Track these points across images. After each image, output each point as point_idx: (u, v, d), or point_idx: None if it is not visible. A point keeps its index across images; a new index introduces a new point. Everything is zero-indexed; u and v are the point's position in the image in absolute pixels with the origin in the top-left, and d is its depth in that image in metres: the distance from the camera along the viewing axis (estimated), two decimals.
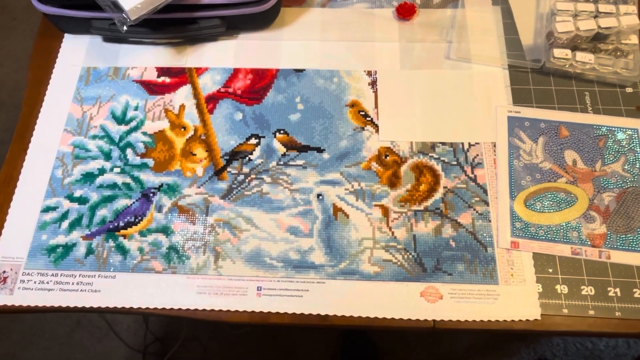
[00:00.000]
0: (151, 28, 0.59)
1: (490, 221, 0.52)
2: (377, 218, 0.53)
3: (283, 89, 0.60)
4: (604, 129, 0.56)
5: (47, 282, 0.51)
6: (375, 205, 0.53)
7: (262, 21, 0.63)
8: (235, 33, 0.64)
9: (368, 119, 0.58)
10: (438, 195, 0.54)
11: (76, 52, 0.63)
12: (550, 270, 0.50)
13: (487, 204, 0.53)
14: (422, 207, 0.53)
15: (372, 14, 0.65)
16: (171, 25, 0.60)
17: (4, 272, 0.51)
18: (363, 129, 0.58)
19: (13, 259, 0.52)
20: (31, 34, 1.65)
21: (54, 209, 0.54)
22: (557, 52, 0.58)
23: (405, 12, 0.63)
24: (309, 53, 0.62)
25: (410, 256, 0.51)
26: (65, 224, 0.53)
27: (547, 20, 0.61)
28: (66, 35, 0.65)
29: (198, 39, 0.63)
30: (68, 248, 0.52)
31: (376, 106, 0.59)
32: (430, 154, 0.56)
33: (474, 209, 0.53)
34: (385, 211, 0.53)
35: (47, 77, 0.62)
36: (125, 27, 0.54)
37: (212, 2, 0.57)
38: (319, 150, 0.57)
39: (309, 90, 0.60)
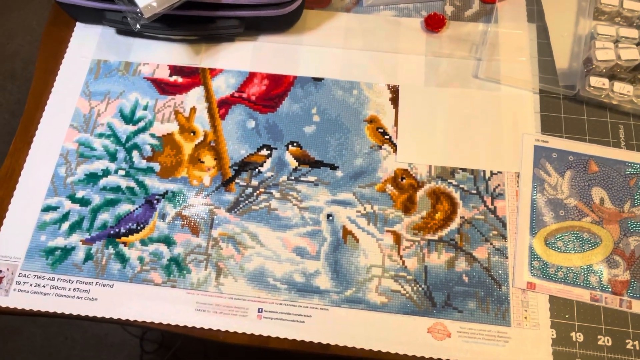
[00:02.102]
0: (166, 24, 0.56)
1: (507, 258, 0.50)
2: (388, 245, 0.50)
3: (299, 98, 0.57)
4: (637, 167, 0.53)
5: (44, 286, 0.49)
6: (387, 231, 0.51)
7: (283, 24, 0.60)
8: (254, 34, 0.61)
9: (386, 137, 0.55)
10: (454, 225, 0.51)
11: (87, 43, 0.61)
12: (567, 316, 0.47)
13: (505, 238, 0.50)
14: (436, 237, 0.51)
15: (398, 23, 0.61)
16: (187, 23, 0.57)
17: (0, 271, 0.50)
18: (380, 147, 0.55)
19: (10, 259, 0.50)
20: (47, 6, 1.62)
21: (54, 208, 0.52)
22: (594, 81, 0.54)
23: (434, 24, 0.60)
24: (329, 61, 0.59)
25: (420, 288, 0.49)
26: (65, 226, 0.52)
27: (585, 44, 0.57)
28: (78, 24, 0.62)
29: (214, 38, 0.60)
30: (67, 251, 0.51)
31: (396, 124, 0.56)
32: (449, 180, 0.53)
33: (491, 243, 0.50)
34: (397, 238, 0.51)
35: (55, 67, 0.59)
36: (138, 25, 0.51)
37: (232, 2, 0.54)
38: (333, 167, 0.54)
39: (326, 102, 0.57)
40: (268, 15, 0.56)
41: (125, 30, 0.60)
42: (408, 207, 0.52)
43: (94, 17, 0.59)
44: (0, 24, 1.60)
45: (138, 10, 0.49)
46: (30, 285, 0.49)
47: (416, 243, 0.50)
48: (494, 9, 0.61)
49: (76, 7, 0.57)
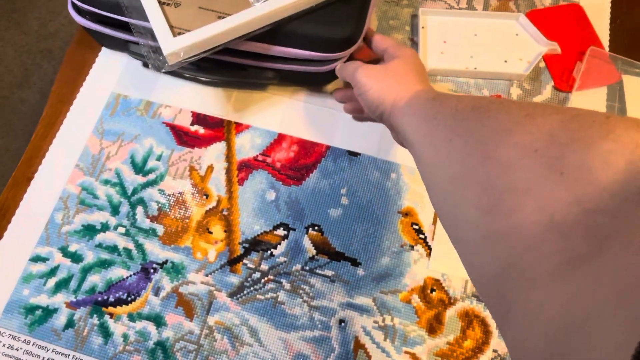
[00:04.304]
0: (194, 65, 0.50)
1: None
2: None
3: (329, 173, 0.51)
4: None
5: (17, 349, 0.44)
6: (406, 352, 0.44)
7: (322, 80, 0.53)
8: (290, 85, 0.54)
9: (421, 236, 0.48)
10: (484, 359, 0.44)
11: (109, 73, 0.55)
12: None
13: None
14: None
15: None
16: (218, 67, 0.51)
17: None
18: (412, 247, 0.48)
19: None
20: None
21: (43, 260, 0.48)
22: None
23: None
24: (369, 133, 0.52)
25: None
26: (51, 282, 0.47)
27: None
28: (103, 49, 0.57)
29: (245, 86, 0.54)
30: (48, 313, 0.46)
31: (434, 222, 0.49)
32: None
33: None
34: None
35: (72, 95, 0.54)
36: (161, 71, 0.45)
37: (269, 53, 0.47)
38: (355, 262, 0.47)
39: (358, 182, 0.50)
40: (307, 71, 0.50)
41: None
42: (434, 326, 0.45)
43: (119, 45, 0.53)
44: (45, 0, 1.59)
45: (161, 57, 0.43)
46: (3, 345, 0.45)
47: None
48: (567, 99, 0.53)
49: (101, 34, 0.52)
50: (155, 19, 0.42)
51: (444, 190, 0.26)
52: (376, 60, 0.45)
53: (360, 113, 0.46)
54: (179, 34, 0.42)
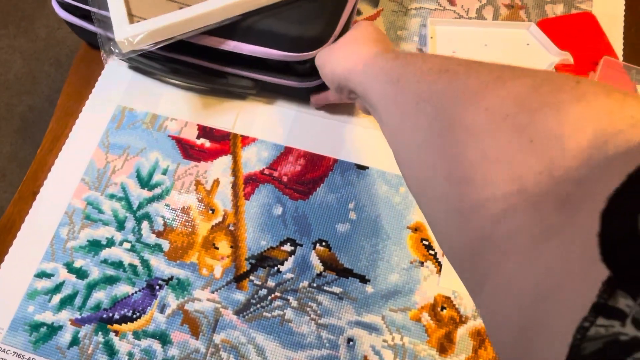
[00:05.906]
0: (170, 69, 0.50)
1: None
2: None
3: (337, 187, 0.50)
4: None
5: None
6: None
7: (304, 93, 0.51)
8: (271, 98, 0.53)
9: (431, 252, 0.47)
10: None
11: (115, 85, 0.55)
12: None
13: None
14: None
15: None
16: (198, 72, 0.50)
17: None
18: (422, 264, 0.47)
19: None
20: None
21: (49, 276, 0.47)
22: None
23: None
24: (378, 146, 0.51)
25: None
26: (56, 299, 0.46)
27: None
28: (109, 61, 0.56)
29: (224, 93, 0.53)
30: (53, 330, 0.45)
31: None
32: None
33: None
34: None
35: (78, 108, 0.54)
36: (117, 59, 0.45)
37: (226, 48, 0.45)
38: (363, 279, 0.46)
39: (367, 196, 0.49)
40: (286, 85, 0.49)
41: (133, 66, 0.54)
42: (445, 346, 0.44)
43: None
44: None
45: (111, 43, 0.42)
46: None
47: None
48: None
49: (85, 31, 0.52)
50: (115, 5, 0.41)
51: (412, 159, 0.25)
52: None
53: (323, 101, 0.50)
54: (137, 22, 0.41)
